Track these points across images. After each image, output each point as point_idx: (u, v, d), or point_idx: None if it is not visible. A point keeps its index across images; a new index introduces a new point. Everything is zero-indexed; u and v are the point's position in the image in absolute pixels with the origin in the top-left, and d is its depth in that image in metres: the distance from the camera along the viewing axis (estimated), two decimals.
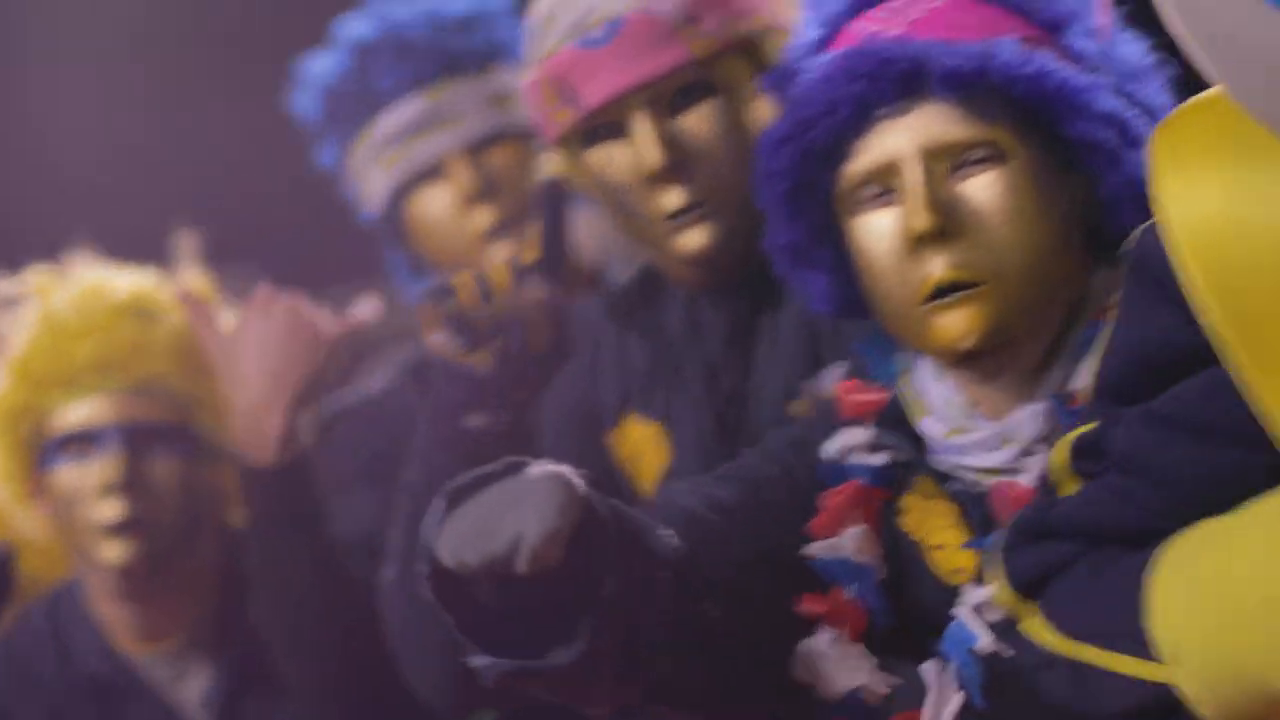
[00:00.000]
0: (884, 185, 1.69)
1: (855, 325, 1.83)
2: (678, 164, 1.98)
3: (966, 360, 1.69)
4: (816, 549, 1.73)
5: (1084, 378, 1.68)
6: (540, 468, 1.53)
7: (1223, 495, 1.15)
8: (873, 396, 1.78)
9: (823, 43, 1.76)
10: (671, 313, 2.12)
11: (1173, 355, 1.15)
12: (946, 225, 1.66)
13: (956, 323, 1.66)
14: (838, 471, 1.76)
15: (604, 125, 2.01)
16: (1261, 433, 1.09)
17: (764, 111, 1.94)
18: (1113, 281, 1.65)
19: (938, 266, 1.66)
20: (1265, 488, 1.11)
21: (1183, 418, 1.16)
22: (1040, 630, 1.31)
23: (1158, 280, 1.13)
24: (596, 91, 1.99)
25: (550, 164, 2.16)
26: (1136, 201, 1.62)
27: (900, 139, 1.68)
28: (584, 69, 1.99)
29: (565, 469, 1.54)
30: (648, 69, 1.97)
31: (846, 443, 1.77)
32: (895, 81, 1.67)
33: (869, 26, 1.72)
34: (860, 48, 1.69)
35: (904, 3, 1.73)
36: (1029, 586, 1.35)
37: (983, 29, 1.71)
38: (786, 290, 1.91)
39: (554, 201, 1.97)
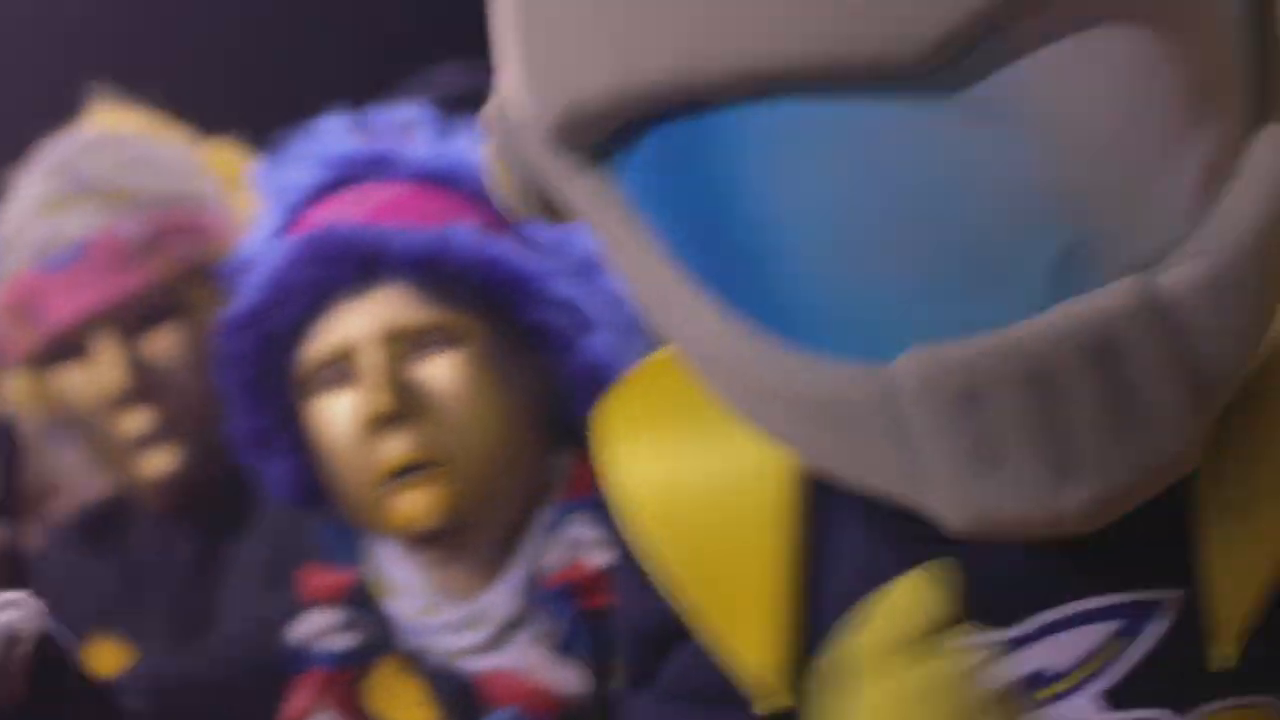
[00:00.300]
0: (344, 368, 1.70)
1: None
2: (141, 387, 2.00)
3: (427, 541, 1.71)
4: None
5: (554, 558, 1.71)
6: None
7: None
8: (338, 578, 1.78)
9: (283, 230, 1.77)
10: (142, 534, 2.11)
11: (663, 624, 1.18)
12: (404, 407, 1.67)
13: (414, 503, 1.67)
14: (303, 657, 1.75)
15: (67, 347, 2.01)
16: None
17: None
18: (574, 463, 1.73)
19: (396, 448, 1.68)
20: None
21: (676, 687, 1.20)
22: None
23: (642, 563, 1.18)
24: (59, 313, 2.00)
25: (10, 389, 2.13)
26: (594, 387, 1.68)
27: (359, 322, 1.69)
28: (47, 291, 2.00)
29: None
30: (110, 291, 1.99)
31: (311, 627, 1.76)
32: (354, 266, 1.68)
33: (329, 213, 1.73)
34: (319, 233, 1.70)
35: (365, 190, 1.75)
36: None
37: (443, 215, 1.73)
38: (256, 506, 1.95)
39: (4, 437, 1.90)
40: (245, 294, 1.72)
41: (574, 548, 1.71)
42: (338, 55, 3.24)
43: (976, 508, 0.98)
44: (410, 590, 1.74)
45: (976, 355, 0.96)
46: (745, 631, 1.12)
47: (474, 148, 1.75)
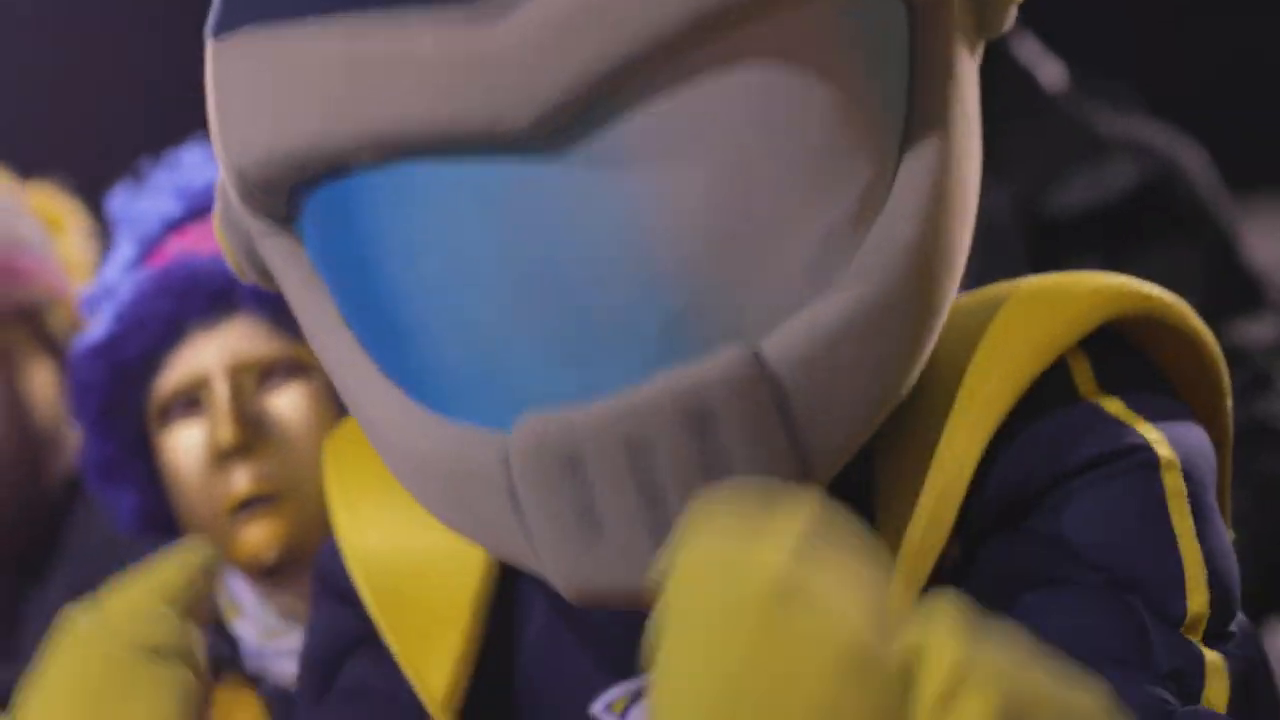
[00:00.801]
0: (193, 399, 1.71)
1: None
2: None
3: (269, 572, 1.71)
4: None
5: None
6: None
7: None
8: None
9: (138, 261, 1.76)
10: None
11: (344, 643, 1.23)
12: (251, 439, 1.68)
13: (256, 536, 1.68)
14: None
15: None
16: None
17: (43, 379, 1.98)
18: None
19: (241, 480, 1.68)
20: None
21: (351, 686, 1.23)
22: None
23: (336, 588, 1.22)
24: None
25: None
26: None
27: (209, 354, 1.70)
28: None
29: None
30: None
31: None
32: (205, 298, 1.69)
33: (183, 243, 1.74)
34: (172, 265, 1.71)
35: None
36: None
37: None
38: (65, 552, 1.94)
39: None
40: (97, 324, 1.73)
41: None
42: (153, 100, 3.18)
43: (582, 577, 1.00)
44: (254, 614, 1.75)
45: (576, 422, 0.98)
46: (429, 658, 1.15)
47: None
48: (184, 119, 1.89)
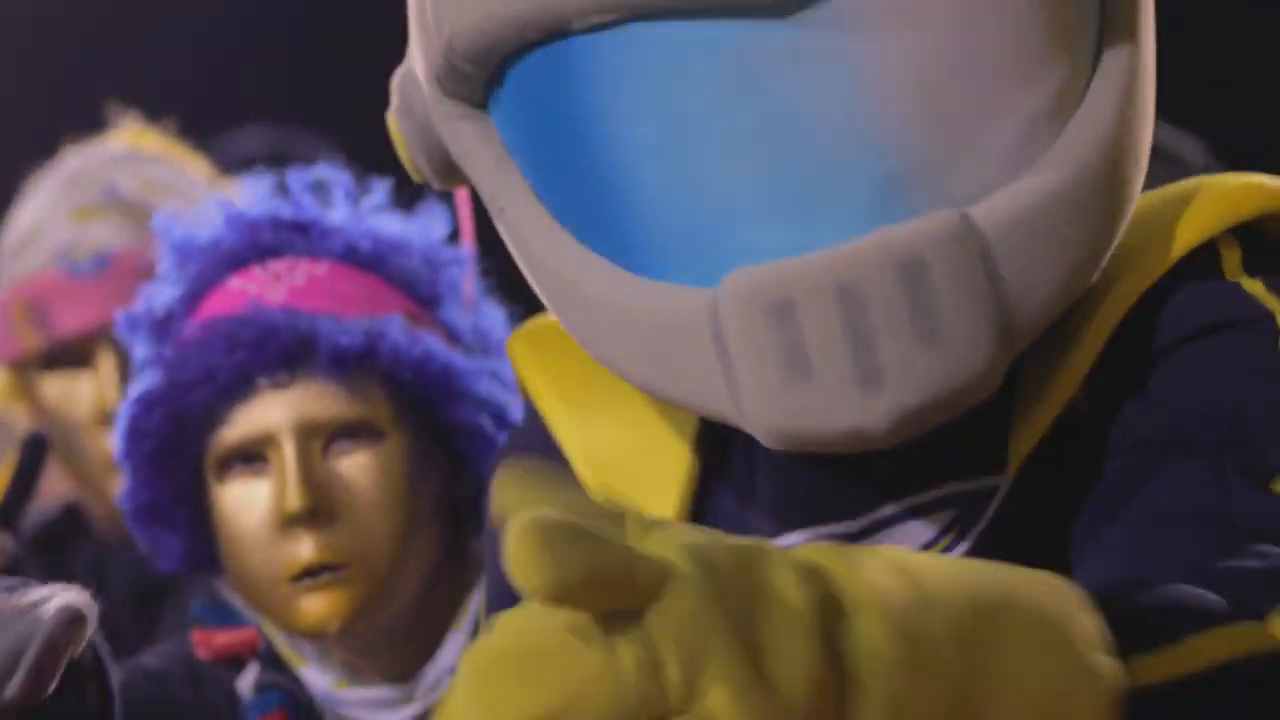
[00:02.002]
0: (256, 455, 1.62)
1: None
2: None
3: (334, 640, 1.64)
4: None
5: None
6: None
7: None
8: (239, 635, 1.71)
9: (191, 299, 1.68)
10: (85, 553, 2.09)
11: None
12: (318, 505, 1.60)
13: (320, 607, 1.60)
14: (260, 709, 1.69)
15: (68, 355, 1.99)
16: None
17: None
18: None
19: (306, 548, 1.60)
20: None
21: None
22: None
23: None
24: (73, 320, 1.98)
25: None
26: None
27: (278, 413, 1.61)
28: (65, 295, 1.97)
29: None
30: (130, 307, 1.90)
31: (254, 678, 1.70)
32: (279, 354, 1.61)
33: (248, 289, 1.65)
34: (244, 315, 1.62)
35: (283, 266, 1.67)
36: None
37: (365, 303, 1.66)
38: None
39: (35, 451, 1.74)
40: (159, 369, 1.64)
41: None
42: None
43: (787, 419, 1.02)
44: (325, 662, 1.69)
45: (789, 270, 1.01)
46: None
47: (392, 223, 1.70)
48: None
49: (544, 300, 1.13)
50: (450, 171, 1.17)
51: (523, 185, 1.12)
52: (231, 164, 2.30)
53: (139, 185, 2.07)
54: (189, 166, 2.16)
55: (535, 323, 1.27)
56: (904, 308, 1.00)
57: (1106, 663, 0.81)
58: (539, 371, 1.24)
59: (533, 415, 1.26)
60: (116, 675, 1.50)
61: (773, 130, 1.03)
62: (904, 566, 0.78)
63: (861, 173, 1.02)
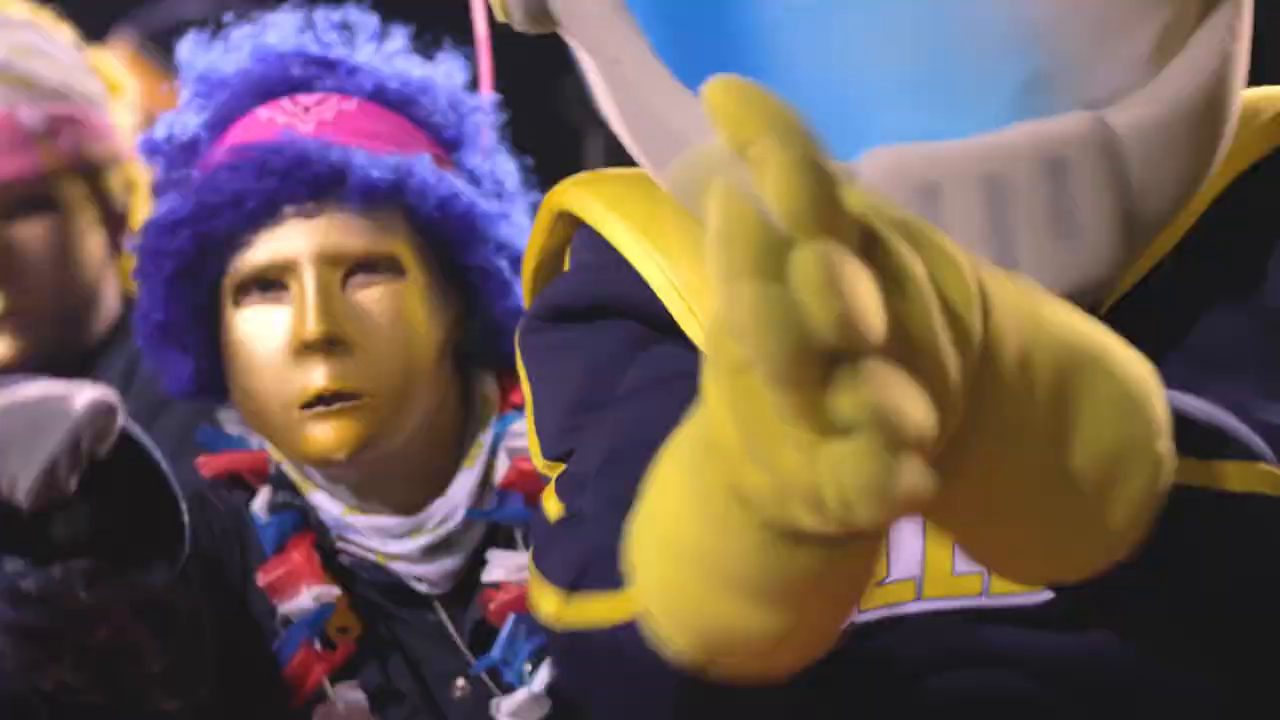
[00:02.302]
0: (275, 282, 1.63)
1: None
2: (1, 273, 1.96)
3: (342, 468, 1.65)
4: (289, 610, 1.67)
5: (498, 467, 1.69)
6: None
7: None
8: (250, 456, 1.72)
9: (219, 125, 1.69)
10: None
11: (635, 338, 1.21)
12: (334, 334, 1.61)
13: (329, 434, 1.61)
14: (277, 528, 1.69)
15: None
16: None
17: (95, 239, 2.00)
18: (506, 383, 1.72)
19: (319, 376, 1.61)
20: None
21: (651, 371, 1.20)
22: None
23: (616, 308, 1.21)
24: None
25: None
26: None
27: (301, 241, 1.62)
28: None
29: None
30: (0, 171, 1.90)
31: (267, 500, 1.70)
32: (308, 183, 1.62)
33: (277, 118, 1.66)
34: (276, 143, 1.62)
35: (312, 100, 1.68)
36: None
37: (394, 140, 1.68)
38: None
39: None
40: (185, 191, 1.65)
41: (512, 453, 1.69)
42: None
43: None
44: (334, 489, 1.70)
45: (939, 154, 1.05)
46: None
47: (418, 66, 1.72)
48: None
49: (645, 158, 1.13)
50: (542, 15, 1.15)
51: (639, 39, 1.11)
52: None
53: (6, 50, 2.03)
54: (57, 32, 2.12)
55: (588, 175, 1.25)
56: (1045, 204, 1.05)
57: (1168, 448, 0.87)
58: (611, 210, 1.21)
59: (600, 252, 1.22)
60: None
61: (925, 16, 1.06)
62: (1033, 290, 0.85)
63: (1008, 66, 1.07)
